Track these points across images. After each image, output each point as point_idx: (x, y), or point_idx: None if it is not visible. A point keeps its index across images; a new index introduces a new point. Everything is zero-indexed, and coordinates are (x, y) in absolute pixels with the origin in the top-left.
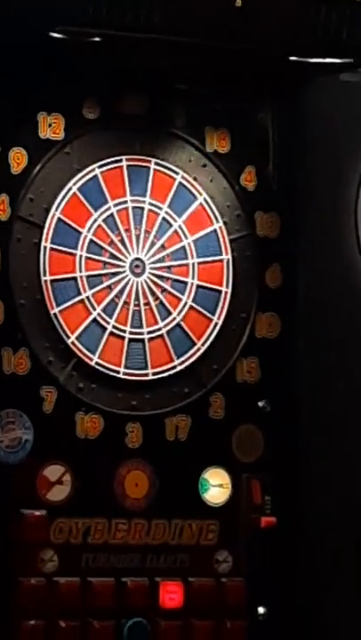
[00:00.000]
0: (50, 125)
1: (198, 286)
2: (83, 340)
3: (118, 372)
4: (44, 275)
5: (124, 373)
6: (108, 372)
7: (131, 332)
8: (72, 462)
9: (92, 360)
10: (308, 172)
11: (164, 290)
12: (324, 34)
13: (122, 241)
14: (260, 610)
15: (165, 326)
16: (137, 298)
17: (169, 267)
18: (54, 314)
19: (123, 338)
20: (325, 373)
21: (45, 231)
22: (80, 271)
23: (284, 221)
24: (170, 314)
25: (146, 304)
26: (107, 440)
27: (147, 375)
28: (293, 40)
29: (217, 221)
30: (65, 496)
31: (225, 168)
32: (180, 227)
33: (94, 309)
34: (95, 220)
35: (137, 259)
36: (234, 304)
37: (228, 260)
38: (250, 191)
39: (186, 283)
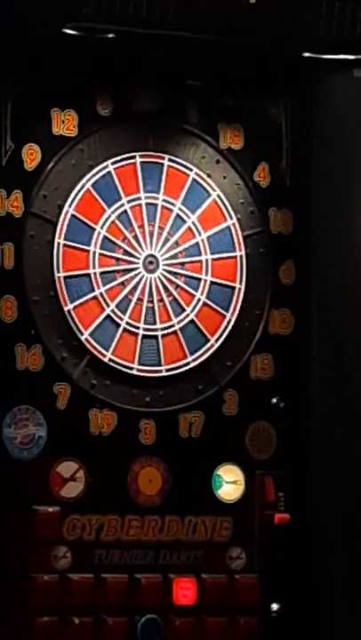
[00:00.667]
0: (63, 122)
1: (212, 283)
2: (96, 337)
3: (132, 369)
4: (58, 271)
5: (138, 370)
6: (121, 368)
7: (144, 329)
8: (85, 459)
9: (105, 356)
10: (322, 168)
11: (177, 286)
12: (337, 30)
13: (135, 237)
14: (274, 606)
15: (179, 323)
16: (150, 294)
17: (182, 263)
18: (68, 310)
19: (136, 334)
20: (339, 370)
21: (59, 228)
22: (94, 268)
23: (298, 218)
24: (183, 310)
25: (159, 300)
26: (120, 436)
27: (160, 372)
28: (307, 36)
29: (230, 218)
30: (78, 493)
31: (238, 164)
32: (193, 223)
33: (108, 306)
34: (109, 217)
35: (150, 255)
36: (247, 300)
37: (242, 256)
38: (263, 187)
39: (199, 279)
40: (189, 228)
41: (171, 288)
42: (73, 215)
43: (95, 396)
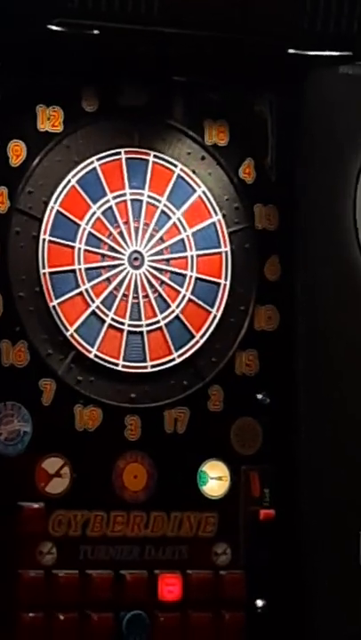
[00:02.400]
0: (49, 118)
1: (197, 279)
2: (81, 333)
3: (117, 365)
4: (43, 267)
5: (123, 366)
6: (106, 364)
7: (129, 325)
8: (71, 455)
9: (90, 352)
10: (307, 165)
11: (162, 282)
12: (323, 26)
13: (121, 233)
14: (259, 602)
15: (164, 319)
16: (136, 290)
17: (168, 259)
18: (53, 306)
19: (121, 330)
20: (324, 365)
21: (44, 224)
22: (79, 264)
23: (283, 214)
24: (169, 306)
25: (145, 296)
26: (105, 432)
27: (145, 368)
28: (292, 32)
29: (216, 214)
30: (63, 488)
31: (224, 160)
32: (178, 219)
33: (93, 302)
34: (94, 213)
35: (136, 251)
36: (233, 297)
37: (227, 252)
38: (249, 183)
39: (185, 275)
40: (175, 224)
41: (156, 284)
42: (58, 211)
43: (80, 392)
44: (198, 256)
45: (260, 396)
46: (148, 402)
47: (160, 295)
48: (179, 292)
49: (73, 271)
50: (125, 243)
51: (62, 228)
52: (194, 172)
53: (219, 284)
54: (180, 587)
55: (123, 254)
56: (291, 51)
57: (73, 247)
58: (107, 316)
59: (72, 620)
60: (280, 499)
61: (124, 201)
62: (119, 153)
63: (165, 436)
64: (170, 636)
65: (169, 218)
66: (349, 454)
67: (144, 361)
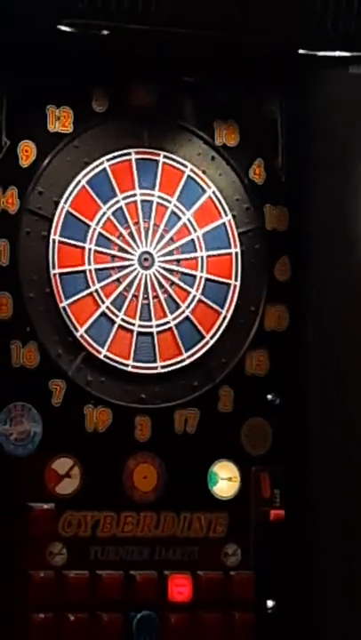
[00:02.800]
0: (58, 118)
1: (207, 279)
2: (91, 333)
3: (127, 366)
4: (53, 268)
5: (133, 366)
6: (116, 365)
7: (140, 326)
8: (81, 455)
9: (100, 353)
10: (317, 166)
11: (172, 283)
12: (333, 26)
13: (131, 234)
14: (269, 603)
15: (174, 319)
16: (146, 291)
17: (178, 260)
18: (63, 307)
19: (131, 331)
20: (334, 366)
21: (54, 224)
22: (89, 264)
23: (293, 214)
24: (179, 307)
25: (155, 297)
26: (115, 433)
27: (156, 368)
28: (302, 33)
29: (226, 214)
30: (74, 489)
31: (234, 161)
32: (188, 220)
33: (103, 302)
34: (104, 214)
35: (146, 252)
36: (243, 297)
37: (237, 253)
38: (259, 184)
39: (195, 276)
40: (185, 225)
41: (166, 285)
42: (68, 212)
43: (90, 393)
44: (208, 257)
45: (270, 397)
46: (158, 402)
47: (170, 296)
48: (189, 293)
49: (83, 272)
50: (135, 243)
51: (72, 228)
52: (204, 172)
53: (229, 285)
54: (190, 587)
55: (133, 255)
56: (301, 51)
57: (83, 248)
58: (117, 316)
59: (82, 620)
60: (290, 499)
61: (135, 201)
62: (129, 153)
63: (175, 436)
64: (180, 636)
65: (179, 218)
66: (360, 454)
67: (154, 361)
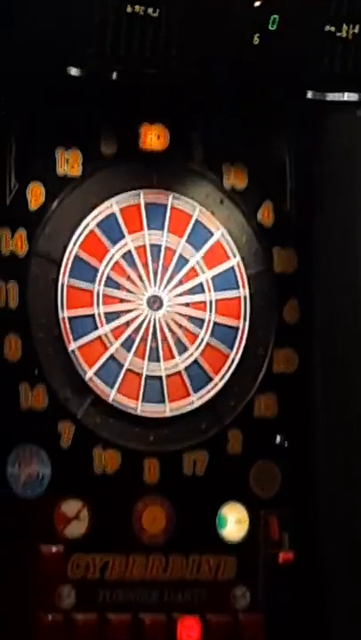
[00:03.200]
0: (67, 161)
1: (216, 322)
2: (100, 376)
3: (136, 408)
4: (62, 311)
5: (142, 409)
6: (125, 407)
7: (148, 368)
8: (89, 498)
9: (109, 396)
10: (325, 208)
11: (181, 326)
12: (341, 70)
13: (139, 277)
14: None
15: (183, 362)
16: (154, 333)
17: (186, 302)
18: (72, 350)
19: (140, 374)
20: (343, 409)
21: (63, 267)
22: (97, 307)
23: (302, 257)
24: (187, 349)
25: (163, 340)
26: (124, 475)
27: (164, 411)
28: (311, 76)
29: (234, 257)
30: (82, 531)
31: (242, 204)
32: (197, 262)
33: (112, 345)
34: (113, 256)
35: (154, 294)
36: (251, 339)
37: (246, 295)
38: (267, 227)
39: (203, 318)
40: (193, 268)
41: (175, 327)
42: (77, 255)
43: (99, 435)
44: (217, 299)
45: (278, 439)
46: (166, 445)
47: (179, 338)
48: (197, 336)
49: (92, 314)
50: (144, 286)
51: (81, 271)
52: (213, 214)
53: (237, 327)
54: (198, 630)
55: (141, 297)
56: (309, 94)
57: (92, 290)
58: (125, 359)
59: None
60: (299, 542)
61: (143, 244)
62: (138, 196)
63: (184, 479)
64: None
65: (187, 261)
66: None
67: (163, 404)
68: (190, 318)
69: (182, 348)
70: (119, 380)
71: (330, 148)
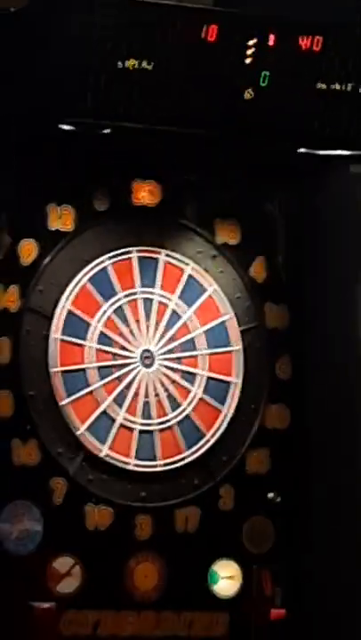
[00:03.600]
0: (60, 217)
1: (208, 377)
2: (92, 432)
3: (128, 464)
4: (54, 366)
5: (134, 465)
6: (117, 463)
7: (140, 424)
8: (82, 554)
9: (101, 451)
10: (318, 264)
11: (173, 381)
12: (333, 126)
13: (132, 332)
14: None
15: (175, 417)
16: (147, 389)
17: (179, 358)
18: (64, 405)
19: (132, 429)
20: (335, 465)
21: (55, 322)
22: (90, 362)
23: (295, 313)
24: (179, 405)
25: (155, 395)
26: (116, 532)
27: (156, 467)
28: (302, 132)
29: (227, 313)
30: (74, 588)
31: (235, 259)
32: (189, 318)
33: (104, 401)
34: (105, 312)
35: (147, 350)
36: (244, 395)
37: (239, 351)
38: (260, 282)
39: (196, 374)
40: (185, 323)
41: (167, 383)
42: (69, 310)
43: (91, 491)
44: (209, 355)
45: (271, 496)
46: (158, 501)
47: (171, 394)
48: (190, 391)
49: (84, 370)
50: (136, 341)
51: (73, 326)
52: (205, 270)
53: (230, 383)
54: None
55: (134, 353)
56: (301, 150)
57: (84, 346)
58: (118, 415)
59: None
60: (292, 598)
61: (135, 299)
62: (130, 252)
63: (176, 535)
64: None
65: (180, 316)
66: None
67: (155, 460)
68: (183, 374)
69: (175, 404)
70: (111, 435)
71: (322, 204)
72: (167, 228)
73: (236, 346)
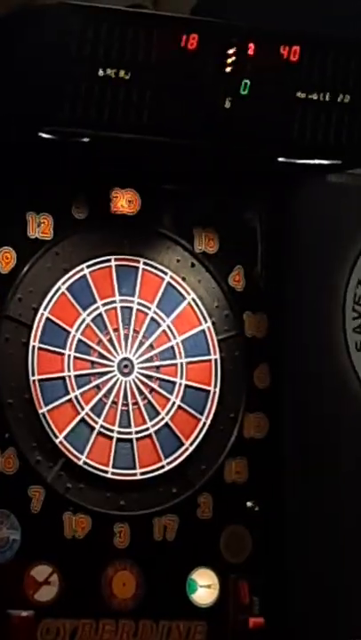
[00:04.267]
0: (39, 225)
1: (187, 386)
2: (71, 440)
3: (106, 472)
4: (33, 374)
5: (113, 473)
6: (96, 471)
7: (119, 432)
8: (60, 562)
9: (80, 460)
10: (297, 273)
11: (152, 390)
12: (311, 135)
13: (110, 340)
14: None
15: (153, 426)
16: (125, 397)
17: (157, 366)
18: (42, 413)
19: (111, 438)
20: (313, 473)
21: (34, 331)
22: (68, 371)
23: (273, 321)
24: (158, 414)
25: (134, 404)
26: (94, 540)
27: (135, 475)
28: (281, 141)
29: (205, 321)
30: (52, 596)
31: (213, 268)
32: (168, 326)
33: (82, 409)
34: (84, 320)
35: (125, 358)
36: (222, 404)
37: (217, 359)
38: (238, 291)
39: (174, 382)
40: (164, 332)
41: (145, 391)
42: (48, 318)
43: (70, 500)
44: (188, 363)
45: (249, 504)
46: (137, 509)
47: (149, 402)
48: (168, 400)
49: (62, 378)
50: (115, 350)
51: (52, 334)
52: (184, 279)
53: (208, 392)
54: None
55: (112, 361)
56: (280, 159)
57: (63, 354)
58: (96, 423)
59: None
60: (270, 607)
61: (114, 308)
62: (109, 260)
63: (154, 543)
64: None
65: (159, 325)
66: (338, 563)
67: (133, 468)
68: (161, 382)
69: (153, 412)
70: (90, 443)
71: (300, 213)
72: (146, 237)
73: (215, 355)
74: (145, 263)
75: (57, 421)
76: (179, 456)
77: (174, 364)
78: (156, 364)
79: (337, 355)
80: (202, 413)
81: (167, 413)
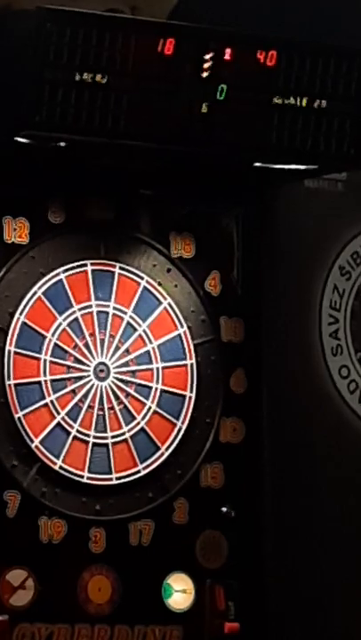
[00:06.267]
0: (15, 230)
1: (163, 391)
2: (47, 444)
3: (82, 477)
4: (8, 379)
5: (88, 478)
6: (71, 476)
7: (95, 437)
8: (35, 567)
9: (55, 464)
10: (273, 278)
11: (128, 394)
12: (288, 140)
13: (86, 345)
14: None
15: (129, 431)
16: (101, 402)
17: (133, 371)
18: (18, 418)
19: (87, 442)
20: (290, 479)
21: (10, 335)
22: (44, 375)
23: (249, 326)
24: (134, 418)
25: (110, 408)
26: (70, 545)
27: (111, 480)
28: (258, 146)
29: (181, 326)
30: (27, 601)
31: (190, 273)
32: (144, 331)
33: (58, 413)
34: (60, 325)
35: (101, 363)
36: (198, 409)
37: (193, 364)
38: (214, 296)
39: (150, 387)
40: (140, 336)
41: (121, 396)
42: (24, 322)
43: (45, 504)
44: (164, 368)
45: (225, 509)
46: (112, 514)
47: (125, 407)
48: (144, 404)
49: (38, 382)
50: (91, 354)
51: (28, 339)
52: (160, 284)
53: (184, 397)
54: None
55: (88, 366)
56: (257, 164)
57: (38, 359)
58: (72, 427)
59: None
60: (245, 612)
61: (90, 312)
62: (85, 265)
63: (130, 548)
64: None
65: (135, 330)
66: (316, 567)
67: (109, 473)
68: (137, 387)
69: (129, 417)
70: (66, 448)
71: (277, 218)
72: (122, 242)
73: (191, 359)
74: (121, 268)
75: (33, 426)
76: (154, 461)
77: (150, 368)
78: (132, 368)
79: (313, 360)
80: (178, 418)
81: (143, 418)
